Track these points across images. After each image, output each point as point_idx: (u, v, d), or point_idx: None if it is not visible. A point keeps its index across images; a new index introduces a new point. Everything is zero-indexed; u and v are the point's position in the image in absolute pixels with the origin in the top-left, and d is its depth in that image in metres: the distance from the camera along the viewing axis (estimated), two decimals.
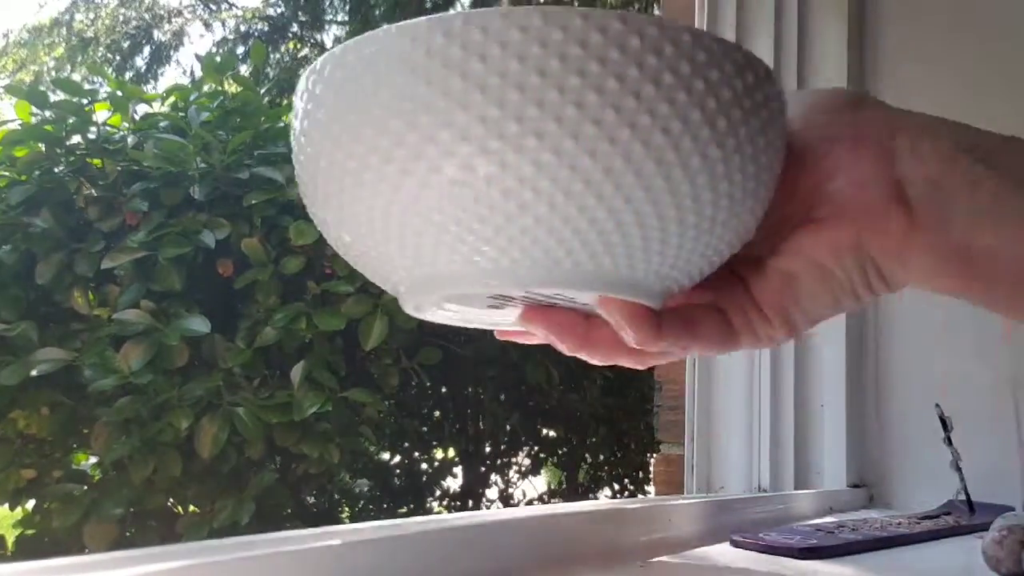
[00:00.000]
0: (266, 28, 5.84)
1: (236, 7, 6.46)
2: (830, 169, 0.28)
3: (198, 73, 1.79)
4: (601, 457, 2.43)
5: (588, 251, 0.24)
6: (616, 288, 0.26)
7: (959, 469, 0.80)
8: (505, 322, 0.31)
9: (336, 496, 1.80)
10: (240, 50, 5.58)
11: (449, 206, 0.24)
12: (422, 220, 0.24)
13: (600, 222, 0.24)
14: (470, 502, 2.02)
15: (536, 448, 2.24)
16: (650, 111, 0.22)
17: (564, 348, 0.30)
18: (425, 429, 1.92)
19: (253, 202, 1.37)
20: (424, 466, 1.99)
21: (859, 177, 0.28)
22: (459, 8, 5.32)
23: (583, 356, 0.30)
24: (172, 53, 6.62)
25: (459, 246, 0.25)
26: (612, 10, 0.23)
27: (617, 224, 0.24)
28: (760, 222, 0.28)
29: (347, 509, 1.86)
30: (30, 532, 1.31)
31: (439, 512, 1.99)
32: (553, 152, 0.22)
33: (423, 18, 0.23)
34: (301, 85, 0.26)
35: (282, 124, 1.58)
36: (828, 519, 0.79)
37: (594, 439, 2.23)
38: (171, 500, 1.34)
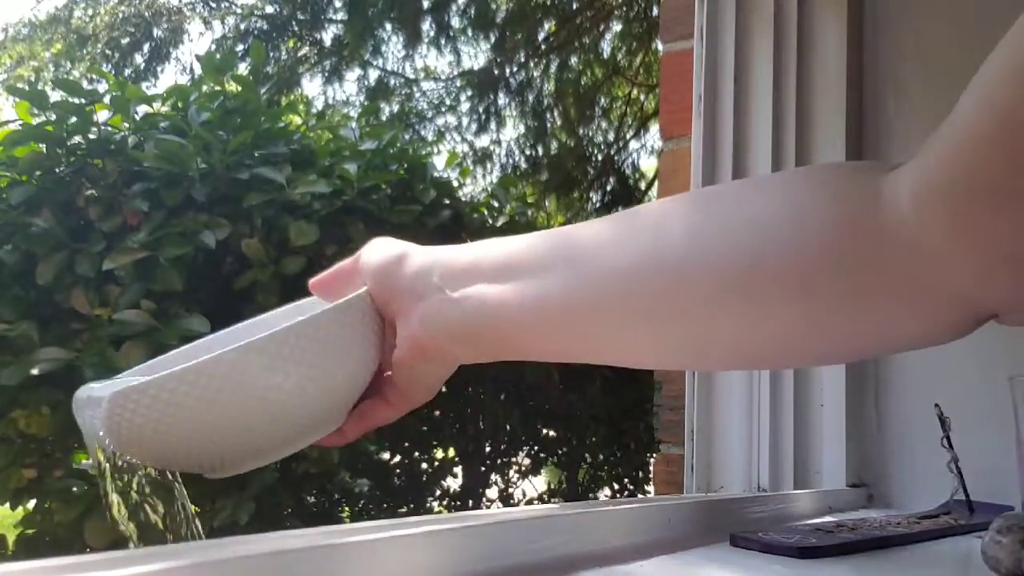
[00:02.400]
0: (265, 26, 5.84)
1: (235, 5, 6.46)
2: (395, 308, 0.46)
3: (197, 71, 1.79)
4: (601, 457, 2.43)
5: (306, 431, 0.45)
6: (317, 438, 0.47)
7: (958, 469, 0.80)
8: None
9: (336, 496, 1.80)
10: (240, 48, 5.58)
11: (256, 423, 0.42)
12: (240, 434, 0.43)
13: (301, 414, 0.44)
14: (470, 502, 2.02)
15: (536, 448, 2.24)
16: (294, 360, 0.42)
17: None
18: (425, 429, 1.92)
19: (253, 202, 1.37)
20: (424, 466, 1.99)
21: (398, 307, 0.45)
22: (456, 6, 5.32)
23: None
24: (171, 50, 6.61)
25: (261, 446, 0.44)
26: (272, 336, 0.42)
27: (310, 416, 0.44)
28: (376, 366, 0.47)
29: (347, 509, 1.86)
30: (30, 532, 1.31)
31: (439, 512, 1.99)
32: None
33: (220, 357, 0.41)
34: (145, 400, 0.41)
35: (282, 124, 1.58)
36: (827, 519, 0.79)
37: (594, 439, 2.23)
38: None
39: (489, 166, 5.93)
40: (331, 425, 0.47)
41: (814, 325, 0.35)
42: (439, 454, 2.02)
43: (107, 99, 1.45)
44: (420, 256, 0.46)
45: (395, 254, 0.47)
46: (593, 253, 0.40)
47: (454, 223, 1.64)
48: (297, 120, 1.76)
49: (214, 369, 0.39)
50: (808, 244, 0.33)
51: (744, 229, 0.35)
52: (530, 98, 5.37)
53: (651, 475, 2.30)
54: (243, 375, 0.40)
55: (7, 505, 1.33)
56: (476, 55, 5.51)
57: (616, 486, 2.50)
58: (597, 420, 2.19)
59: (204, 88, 1.56)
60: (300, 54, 5.70)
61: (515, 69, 5.33)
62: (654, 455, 1.16)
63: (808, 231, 0.34)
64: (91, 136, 1.41)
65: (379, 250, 0.49)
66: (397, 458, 1.94)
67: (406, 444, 1.88)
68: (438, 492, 2.01)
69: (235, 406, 0.40)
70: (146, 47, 6.37)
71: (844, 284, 0.33)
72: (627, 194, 6.11)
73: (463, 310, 0.43)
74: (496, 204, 1.93)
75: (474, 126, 5.42)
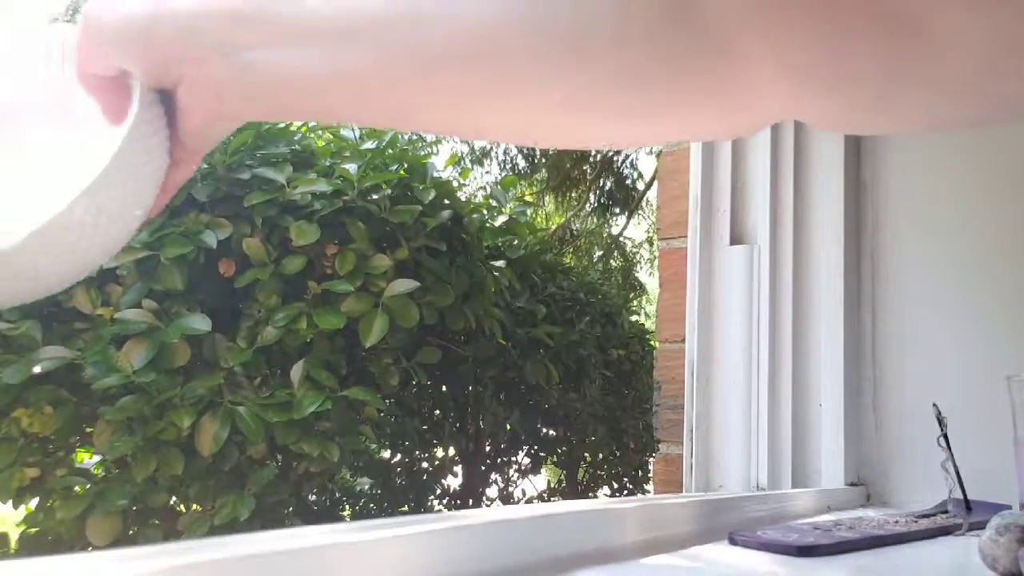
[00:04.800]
0: None
1: None
2: (172, 77, 0.43)
3: None
4: (600, 456, 2.44)
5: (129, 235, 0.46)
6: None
7: (955, 468, 0.81)
8: None
9: (337, 494, 1.81)
10: None
11: None
12: None
13: None
14: (470, 501, 2.03)
15: (536, 447, 2.24)
16: None
17: None
18: (425, 428, 1.93)
19: (254, 202, 1.37)
20: (424, 465, 1.99)
21: (177, 76, 0.43)
22: None
23: None
24: None
25: None
26: None
27: None
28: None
29: (348, 507, 1.86)
30: (33, 531, 1.32)
31: (440, 510, 1.99)
32: None
33: None
34: None
35: (283, 124, 1.58)
36: (826, 517, 0.79)
37: (593, 438, 2.24)
38: (173, 498, 1.34)
39: (488, 165, 5.93)
40: (142, 219, 0.47)
41: (625, 112, 0.36)
42: (439, 453, 2.03)
43: None
44: (175, 15, 0.41)
45: (140, 14, 0.42)
46: (398, 20, 0.37)
47: (454, 223, 1.64)
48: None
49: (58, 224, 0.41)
50: (631, 35, 0.33)
51: (568, 14, 0.34)
52: None
53: (650, 474, 2.31)
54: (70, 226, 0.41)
55: (9, 504, 1.33)
56: None
57: (616, 485, 2.51)
58: (597, 419, 2.20)
59: None
60: None
61: None
62: (653, 454, 1.16)
63: (632, 22, 0.33)
64: None
65: (112, 6, 0.43)
66: (398, 457, 1.94)
67: (406, 443, 1.89)
68: (438, 491, 2.02)
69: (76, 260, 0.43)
70: None
71: (658, 78, 0.34)
72: (625, 194, 6.11)
73: (258, 77, 0.40)
74: (495, 204, 1.93)
75: None
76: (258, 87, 0.41)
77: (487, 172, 6.01)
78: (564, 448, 2.29)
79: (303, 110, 0.43)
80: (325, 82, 0.39)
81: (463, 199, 1.79)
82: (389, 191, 1.53)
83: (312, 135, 1.66)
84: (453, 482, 2.05)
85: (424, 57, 0.37)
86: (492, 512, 0.47)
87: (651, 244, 6.51)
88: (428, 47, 0.37)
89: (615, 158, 5.94)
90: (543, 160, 5.72)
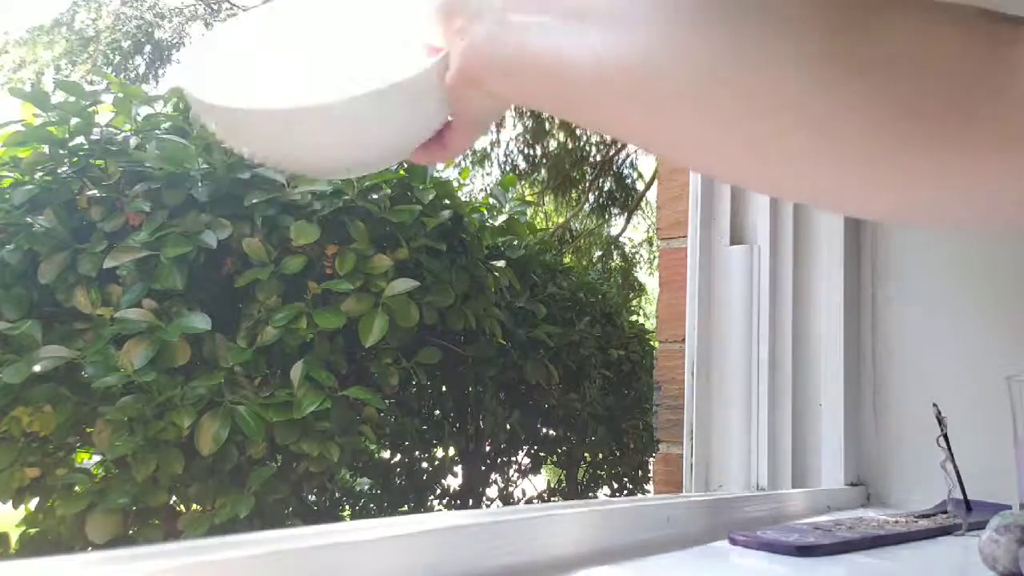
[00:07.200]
0: None
1: (236, 6, 6.46)
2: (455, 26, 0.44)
3: None
4: (600, 456, 2.43)
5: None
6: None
7: (955, 468, 0.81)
8: None
9: (337, 494, 1.81)
10: None
11: None
12: None
13: None
14: (470, 501, 2.03)
15: (536, 447, 2.24)
16: None
17: None
18: (425, 428, 1.92)
19: (254, 202, 1.37)
20: (424, 465, 1.99)
21: (456, 25, 0.43)
22: None
23: None
24: (173, 52, 6.62)
25: None
26: None
27: None
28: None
29: (348, 507, 1.86)
30: (33, 531, 1.32)
31: (439, 510, 1.99)
32: None
33: None
34: None
35: None
36: (825, 517, 0.79)
37: (593, 438, 2.24)
38: (174, 498, 1.34)
39: (488, 167, 5.93)
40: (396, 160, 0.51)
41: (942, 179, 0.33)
42: (439, 453, 2.02)
43: (109, 100, 1.46)
44: None
45: None
46: (701, 20, 0.33)
47: (454, 223, 1.64)
48: None
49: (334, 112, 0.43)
50: (963, 96, 0.31)
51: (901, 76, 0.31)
52: None
53: (650, 474, 2.31)
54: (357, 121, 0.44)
55: (9, 503, 1.33)
56: None
57: (615, 485, 2.51)
58: (597, 419, 2.20)
59: None
60: None
61: None
62: (653, 454, 1.16)
63: (961, 80, 0.31)
64: (93, 137, 1.41)
65: None
66: (398, 457, 1.94)
67: (406, 443, 1.89)
68: (438, 491, 2.02)
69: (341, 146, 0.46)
70: (147, 49, 6.37)
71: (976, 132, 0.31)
72: (624, 194, 6.11)
73: (515, 52, 0.39)
74: (495, 203, 1.93)
75: None
76: (521, 65, 0.38)
77: (487, 174, 6.02)
78: (564, 448, 2.29)
79: (560, 101, 0.39)
80: (596, 73, 0.36)
81: (463, 200, 1.79)
82: (389, 191, 1.53)
83: None
84: (453, 482, 2.05)
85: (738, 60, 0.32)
86: (491, 512, 0.47)
87: (651, 244, 6.51)
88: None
89: (615, 157, 5.94)
90: (543, 161, 5.72)
